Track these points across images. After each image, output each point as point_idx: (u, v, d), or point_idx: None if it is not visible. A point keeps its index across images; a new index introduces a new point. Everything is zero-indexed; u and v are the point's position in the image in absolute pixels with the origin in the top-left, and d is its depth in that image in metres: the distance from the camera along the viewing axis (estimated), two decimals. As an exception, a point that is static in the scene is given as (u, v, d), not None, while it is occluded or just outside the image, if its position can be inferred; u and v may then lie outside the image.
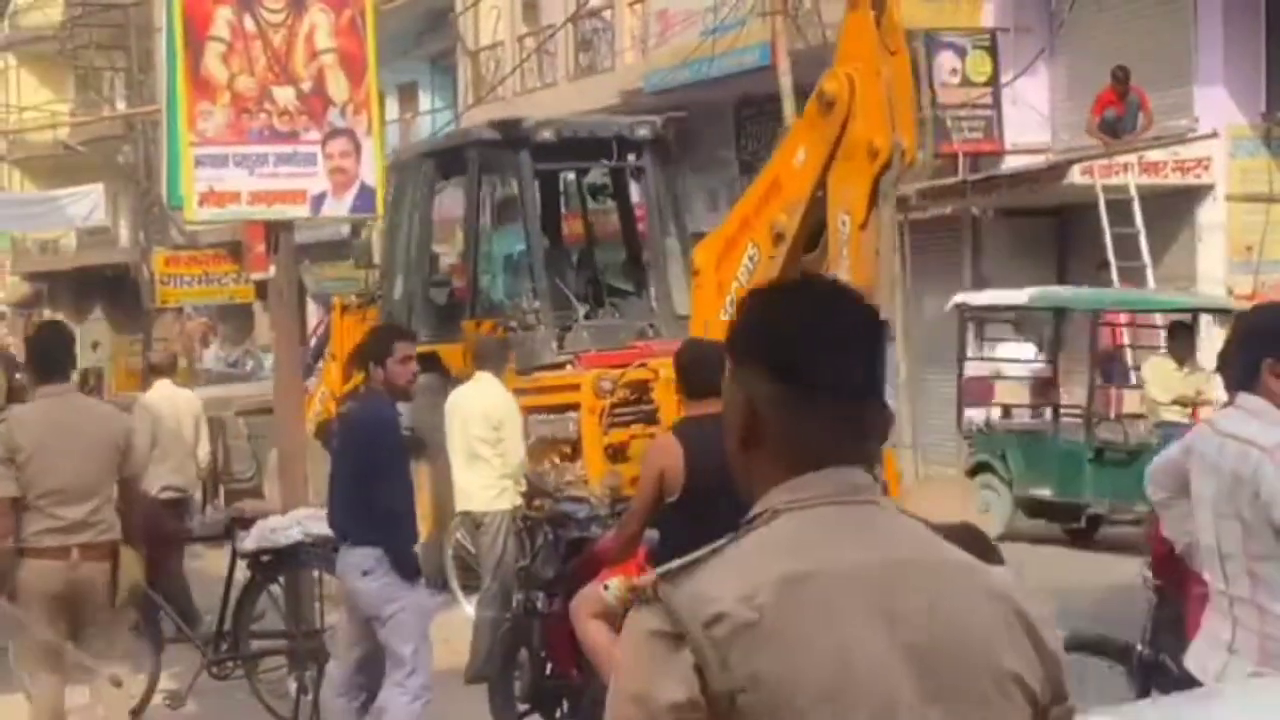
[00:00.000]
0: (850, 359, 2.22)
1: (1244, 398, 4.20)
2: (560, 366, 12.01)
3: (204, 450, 11.66)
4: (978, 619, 2.17)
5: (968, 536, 2.50)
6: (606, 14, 24.19)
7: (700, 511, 6.48)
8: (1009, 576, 2.25)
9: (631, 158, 13.60)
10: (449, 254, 14.98)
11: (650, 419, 11.08)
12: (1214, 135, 16.17)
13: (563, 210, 14.33)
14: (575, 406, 11.30)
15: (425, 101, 31.80)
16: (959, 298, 15.94)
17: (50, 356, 6.93)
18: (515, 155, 12.72)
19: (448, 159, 13.56)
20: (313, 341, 16.78)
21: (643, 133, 13.45)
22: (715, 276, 9.89)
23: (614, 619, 6.74)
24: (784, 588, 2.12)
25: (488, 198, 13.67)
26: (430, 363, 11.07)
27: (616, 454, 11.05)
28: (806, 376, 2.21)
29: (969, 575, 2.22)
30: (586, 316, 12.87)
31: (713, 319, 8.96)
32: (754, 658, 2.05)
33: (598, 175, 13.89)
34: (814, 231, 9.38)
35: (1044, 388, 15.20)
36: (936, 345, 18.93)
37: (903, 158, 9.11)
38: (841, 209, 9.00)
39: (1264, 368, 4.12)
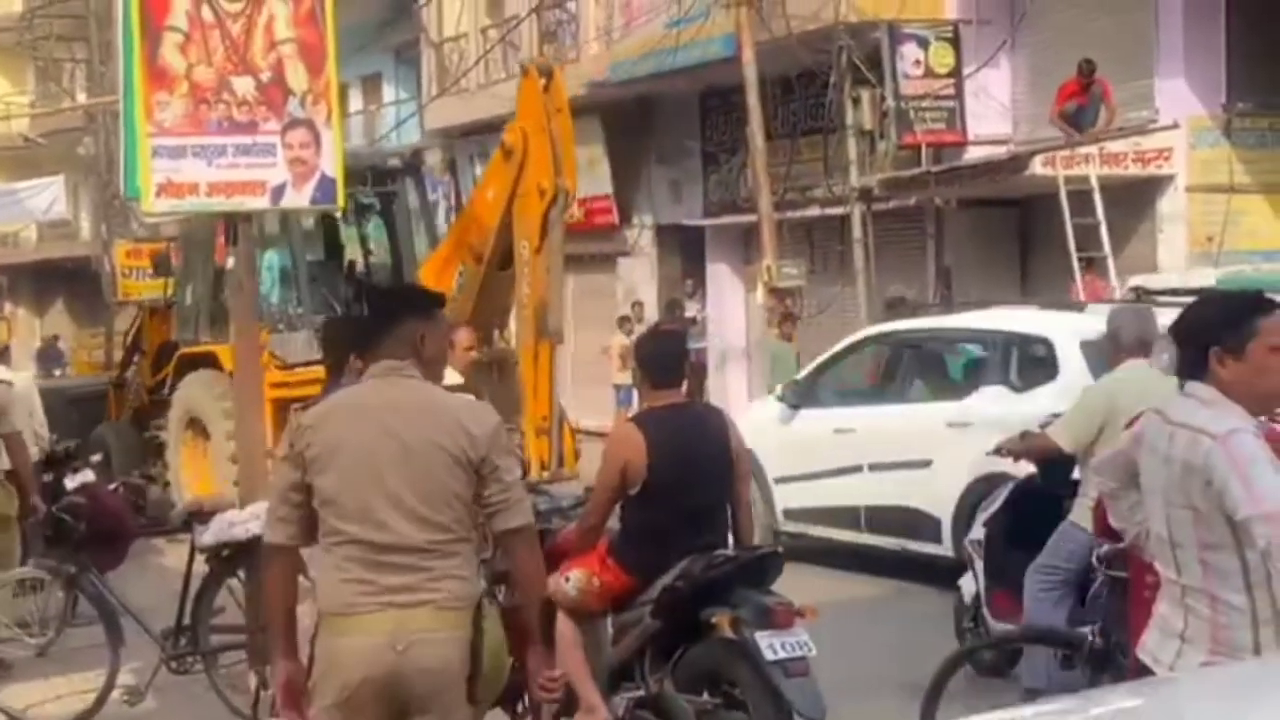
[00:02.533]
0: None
1: (1193, 386, 4.21)
2: (320, 363, 12.45)
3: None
4: (432, 421, 4.54)
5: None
6: (571, 5, 24.17)
7: (662, 502, 6.50)
8: (477, 409, 4.84)
9: (389, 183, 15.73)
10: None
11: None
12: (1175, 126, 16.23)
13: (340, 227, 15.98)
14: None
15: (389, 93, 31.72)
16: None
17: None
18: None
19: None
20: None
21: (394, 162, 16.18)
22: (437, 288, 11.13)
23: (575, 610, 6.75)
24: (326, 409, 4.71)
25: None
26: (209, 360, 14.28)
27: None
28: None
29: (433, 404, 4.64)
30: None
31: None
32: (309, 437, 4.54)
33: (363, 197, 15.50)
34: (507, 252, 11.69)
35: None
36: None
37: (566, 196, 11.64)
38: (522, 236, 11.43)
39: (1211, 356, 4.13)
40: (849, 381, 12.80)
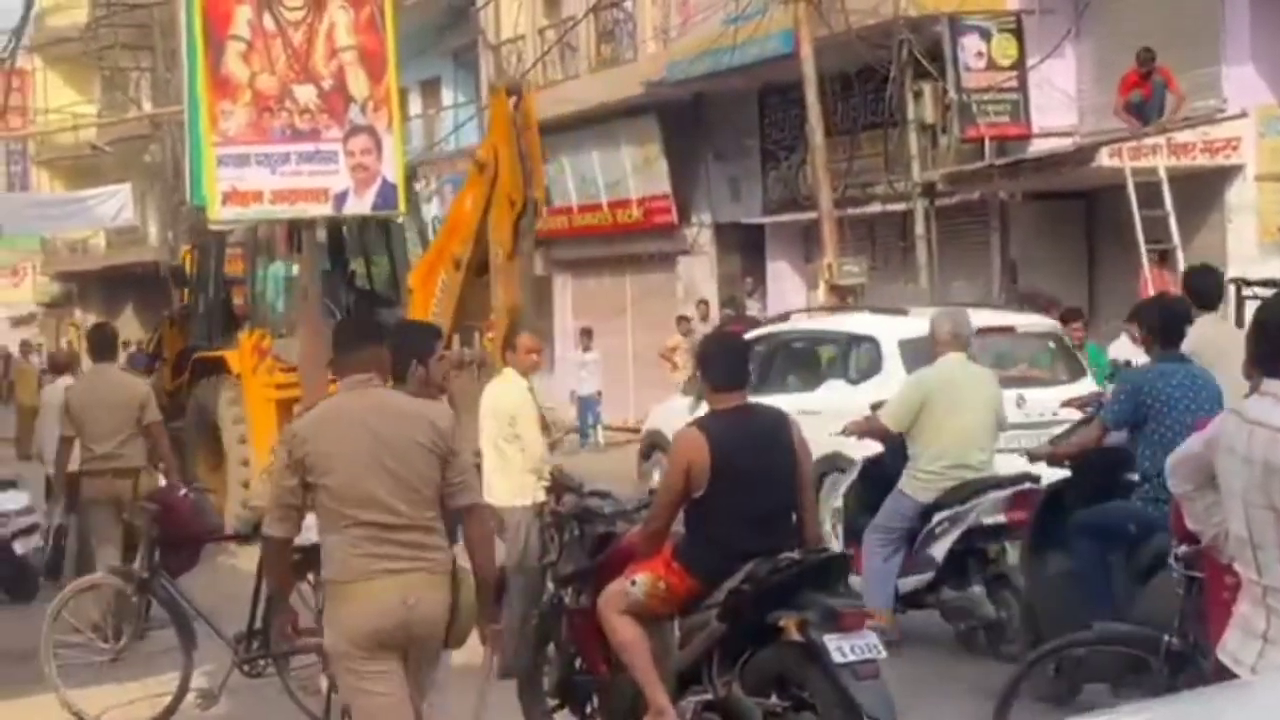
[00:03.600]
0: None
1: (1270, 384, 4.15)
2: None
3: None
4: (408, 421, 5.58)
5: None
6: (627, 5, 24.19)
7: (726, 505, 6.48)
8: (438, 409, 5.87)
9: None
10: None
11: None
12: (1243, 115, 16.08)
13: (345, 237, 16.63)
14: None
15: (448, 96, 31.86)
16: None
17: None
18: None
19: None
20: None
21: None
22: (423, 294, 12.68)
23: (642, 614, 6.73)
24: (317, 419, 5.73)
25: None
26: (219, 365, 15.19)
27: None
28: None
29: (406, 409, 5.69)
30: None
31: None
32: (306, 446, 5.51)
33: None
34: (484, 260, 12.31)
35: None
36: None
37: (536, 206, 12.48)
38: (496, 244, 12.04)
39: None
40: None
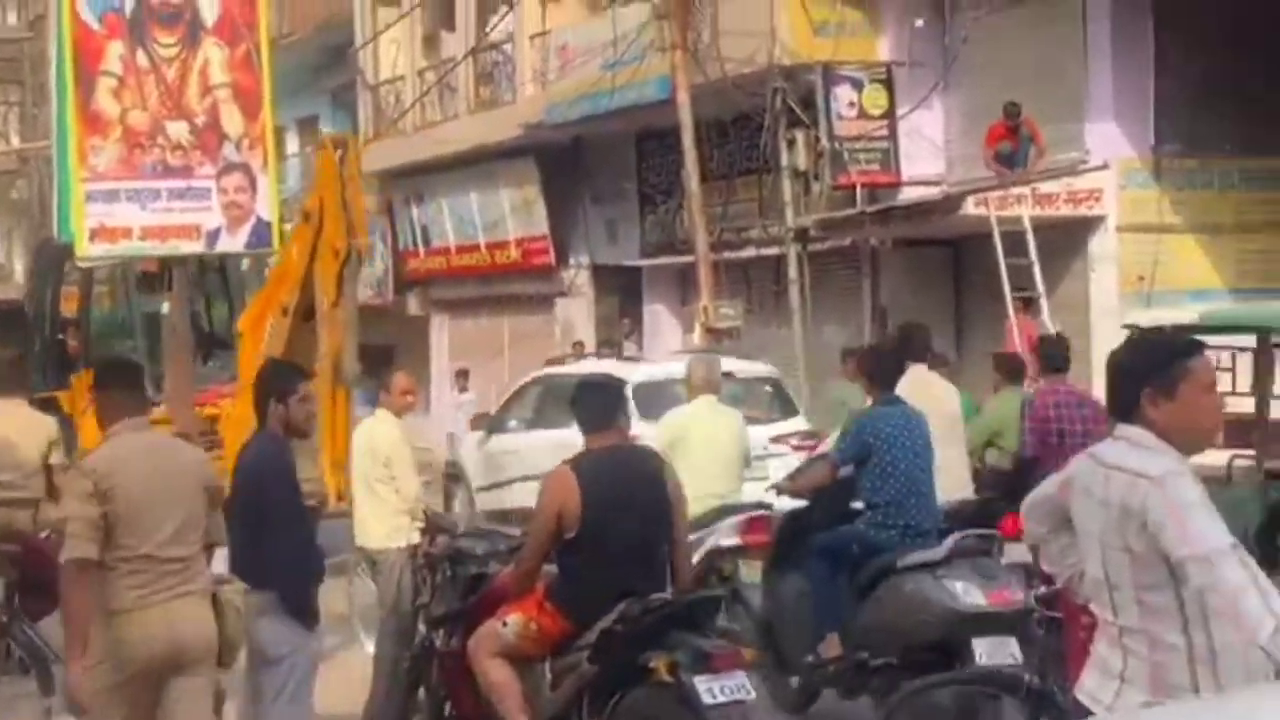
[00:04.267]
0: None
1: (1124, 429, 4.22)
2: (157, 405, 14.52)
3: None
4: (184, 460, 6.16)
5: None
6: (507, 48, 24.20)
7: (597, 544, 6.47)
8: (198, 453, 6.49)
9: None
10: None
11: (218, 445, 14.09)
12: (1105, 167, 16.41)
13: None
14: None
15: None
16: (1132, 319, 12.46)
17: None
18: None
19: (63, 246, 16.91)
20: None
21: None
22: (252, 338, 12.83)
23: (513, 655, 6.70)
24: (109, 456, 5.94)
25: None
26: (50, 405, 14.35)
27: None
28: None
29: (179, 447, 6.40)
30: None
31: (252, 371, 11.21)
32: (105, 481, 5.76)
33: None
34: (310, 306, 12.43)
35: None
36: (836, 375, 19.05)
37: (359, 255, 12.71)
38: (321, 291, 12.21)
39: (1143, 397, 4.15)
40: (520, 414, 16.31)
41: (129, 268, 16.14)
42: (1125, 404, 4.20)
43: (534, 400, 16.26)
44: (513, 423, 16.23)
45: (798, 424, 14.22)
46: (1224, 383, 11.72)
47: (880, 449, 8.31)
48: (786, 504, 9.18)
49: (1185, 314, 12.84)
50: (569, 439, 12.60)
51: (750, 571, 9.45)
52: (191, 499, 6.01)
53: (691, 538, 9.20)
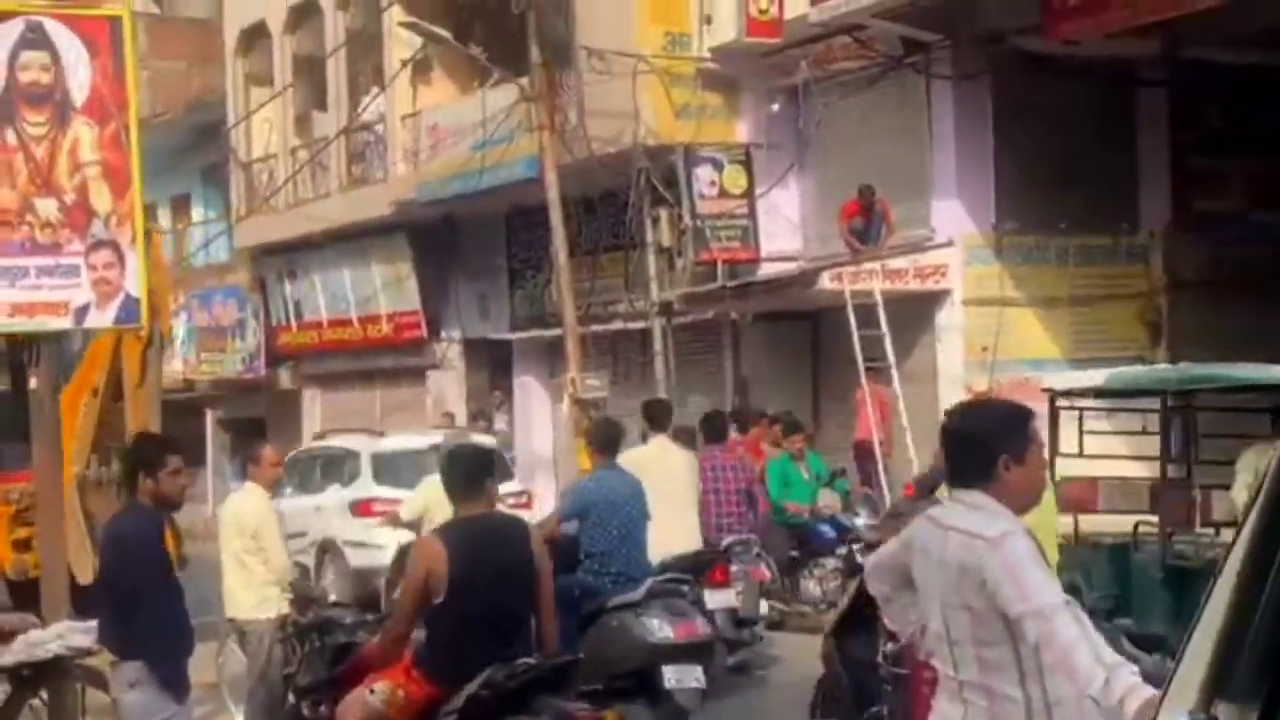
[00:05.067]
0: None
1: (962, 493, 4.28)
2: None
3: None
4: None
5: None
6: (378, 127, 24.16)
7: (464, 610, 6.42)
8: None
9: None
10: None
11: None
12: (950, 244, 16.69)
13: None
14: None
15: (198, 213, 31.34)
16: (1048, 381, 12.31)
17: None
18: None
19: None
20: None
21: None
22: (69, 417, 12.51)
23: (380, 722, 6.60)
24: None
25: None
26: None
27: (21, 546, 14.82)
28: None
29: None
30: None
31: (69, 449, 11.77)
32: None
33: None
34: (118, 386, 12.51)
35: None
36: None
37: (162, 339, 12.82)
38: (127, 372, 12.31)
39: (1000, 463, 4.21)
40: (288, 482, 16.53)
41: None
42: (976, 468, 4.24)
43: (297, 470, 17.47)
44: (286, 489, 16.23)
45: (512, 486, 15.75)
46: (1136, 446, 12.03)
47: (597, 507, 9.53)
48: None
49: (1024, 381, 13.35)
50: (319, 501, 16.74)
51: None
52: None
53: None
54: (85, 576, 11.60)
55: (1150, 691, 3.64)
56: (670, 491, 10.53)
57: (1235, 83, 17.27)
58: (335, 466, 17.64)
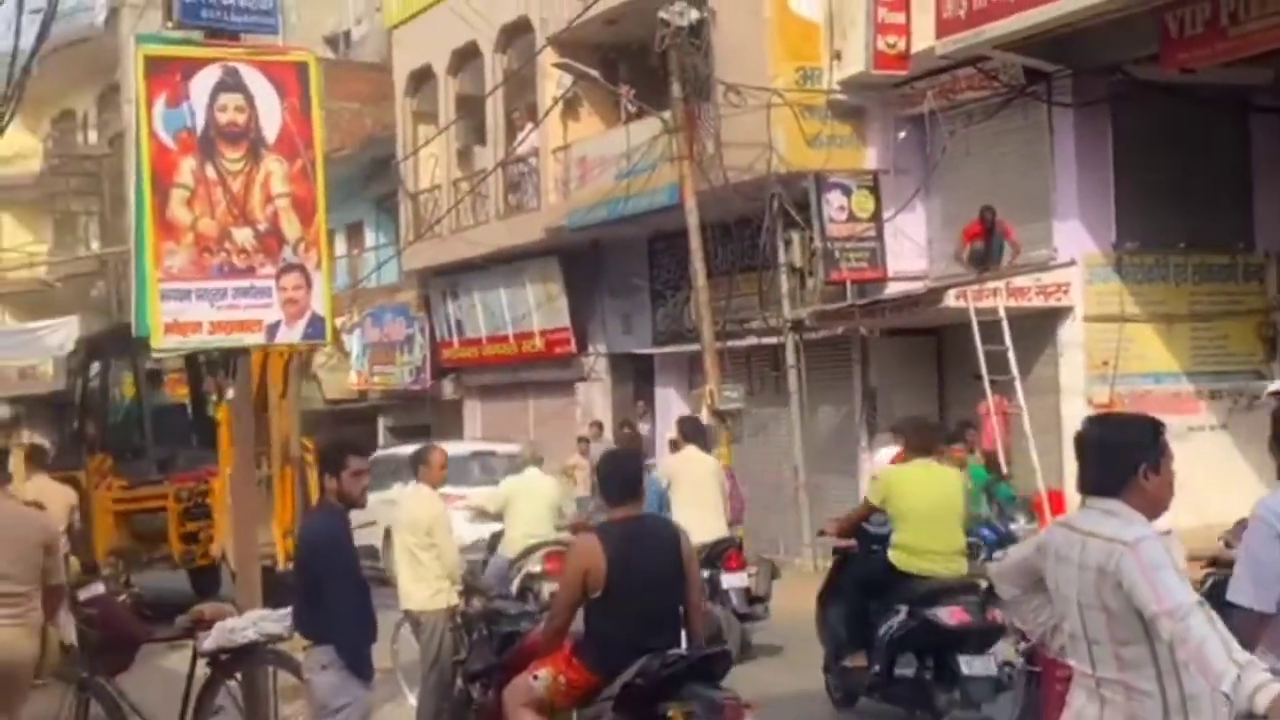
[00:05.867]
0: None
1: (1097, 500, 4.24)
2: (159, 482, 16.63)
3: None
4: (25, 520, 7.48)
5: None
6: (532, 160, 24.38)
7: (620, 606, 6.46)
8: (37, 512, 7.91)
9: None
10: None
11: (209, 515, 15.65)
12: (1072, 264, 16.43)
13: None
14: (164, 509, 16.32)
15: (370, 238, 31.85)
16: (1275, 385, 11.81)
17: None
18: (125, 350, 17.43)
19: (88, 349, 18.81)
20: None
21: None
22: (225, 427, 13.08)
23: (543, 707, 6.66)
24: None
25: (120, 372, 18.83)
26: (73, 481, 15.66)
27: (190, 538, 16.16)
28: None
29: (21, 509, 7.80)
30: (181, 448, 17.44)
31: (227, 454, 12.64)
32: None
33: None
34: (264, 399, 12.41)
35: None
36: (829, 452, 19.04)
37: (301, 356, 13.65)
38: (271, 386, 12.48)
39: (1140, 473, 4.17)
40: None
41: (140, 367, 18.13)
42: (1115, 478, 4.20)
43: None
44: None
45: None
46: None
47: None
48: None
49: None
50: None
51: (548, 587, 11.08)
52: (25, 549, 7.12)
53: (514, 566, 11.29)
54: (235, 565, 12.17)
55: (1280, 688, 3.57)
56: (699, 492, 11.99)
57: (1347, 107, 16.86)
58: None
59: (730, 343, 20.15)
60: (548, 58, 22.33)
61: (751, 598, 12.05)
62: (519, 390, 26.50)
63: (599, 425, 22.87)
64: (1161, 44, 14.79)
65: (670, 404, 23.06)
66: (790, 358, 19.14)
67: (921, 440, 9.70)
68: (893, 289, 18.46)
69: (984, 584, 8.86)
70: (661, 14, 18.63)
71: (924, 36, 16.76)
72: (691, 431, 13.00)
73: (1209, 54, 14.60)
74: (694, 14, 18.81)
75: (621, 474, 6.87)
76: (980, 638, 8.84)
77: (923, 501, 9.28)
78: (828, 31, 18.58)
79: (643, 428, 22.65)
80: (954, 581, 9.15)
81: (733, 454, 18.85)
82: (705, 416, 19.20)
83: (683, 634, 6.65)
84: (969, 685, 8.71)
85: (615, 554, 6.43)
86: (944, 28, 16.10)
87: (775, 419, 19.78)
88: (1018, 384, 15.88)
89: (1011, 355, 15.88)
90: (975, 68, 16.92)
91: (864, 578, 9.47)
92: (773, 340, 19.69)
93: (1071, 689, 4.31)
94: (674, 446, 13.36)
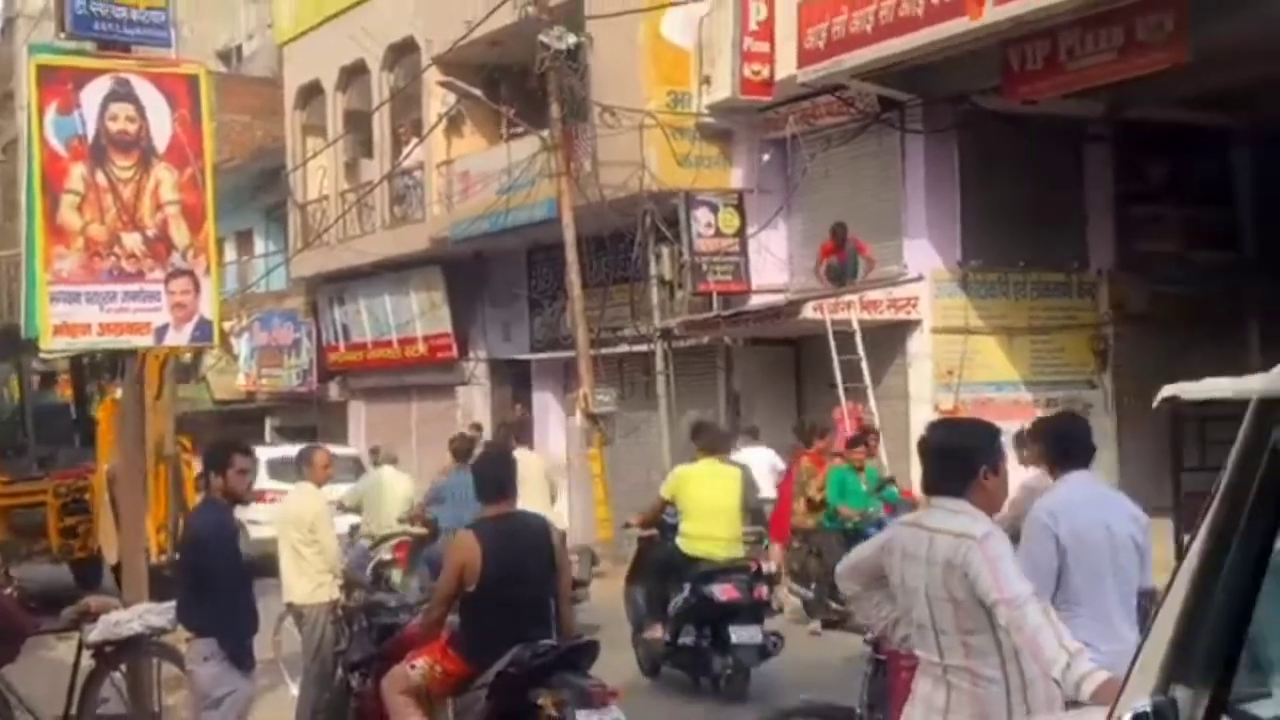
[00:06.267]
0: None
1: (942, 500, 4.29)
2: (39, 478, 16.39)
3: None
4: None
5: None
6: (417, 174, 24.19)
7: (495, 598, 6.42)
8: None
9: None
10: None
11: (87, 510, 15.41)
12: (920, 279, 16.66)
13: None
14: (44, 504, 16.06)
15: (260, 246, 31.36)
16: (1170, 390, 10.78)
17: None
18: (10, 350, 17.17)
19: None
20: None
21: None
22: (105, 425, 13.23)
23: (420, 695, 6.59)
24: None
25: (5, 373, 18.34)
26: None
27: (69, 533, 15.94)
28: None
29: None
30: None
31: (106, 451, 12.88)
32: None
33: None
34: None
35: None
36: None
37: (177, 359, 13.41)
38: (147, 387, 11.14)
39: (982, 473, 4.22)
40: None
41: (26, 367, 17.86)
42: (959, 479, 4.25)
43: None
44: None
45: None
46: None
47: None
48: None
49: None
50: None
51: (396, 574, 11.40)
52: None
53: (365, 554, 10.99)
54: (113, 558, 11.99)
55: (1105, 675, 3.64)
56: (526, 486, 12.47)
57: (1172, 138, 17.33)
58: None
59: (604, 350, 20.15)
60: (433, 76, 22.18)
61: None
62: (402, 393, 26.26)
63: (478, 426, 22.72)
64: (1005, 77, 15.10)
65: (547, 407, 23.03)
66: (660, 364, 19.20)
67: (709, 442, 10.57)
68: (756, 301, 18.60)
69: (754, 566, 10.13)
70: (542, 38, 18.58)
71: (787, 65, 16.91)
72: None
73: (1048, 86, 14.94)
74: (572, 38, 18.80)
75: (495, 473, 6.83)
76: (749, 611, 9.84)
77: (705, 495, 10.12)
78: (698, 58, 18.68)
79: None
80: (729, 563, 10.03)
81: (605, 455, 18.86)
82: (579, 419, 19.21)
83: (554, 625, 6.63)
84: (738, 652, 9.76)
85: (490, 549, 6.40)
86: (805, 57, 16.27)
87: (646, 422, 19.82)
88: (870, 391, 16.08)
89: (864, 364, 16.07)
90: (834, 95, 17.12)
91: (659, 561, 10.40)
92: (644, 348, 19.73)
93: (917, 677, 4.35)
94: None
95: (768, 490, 16.86)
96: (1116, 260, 17.68)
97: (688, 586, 9.94)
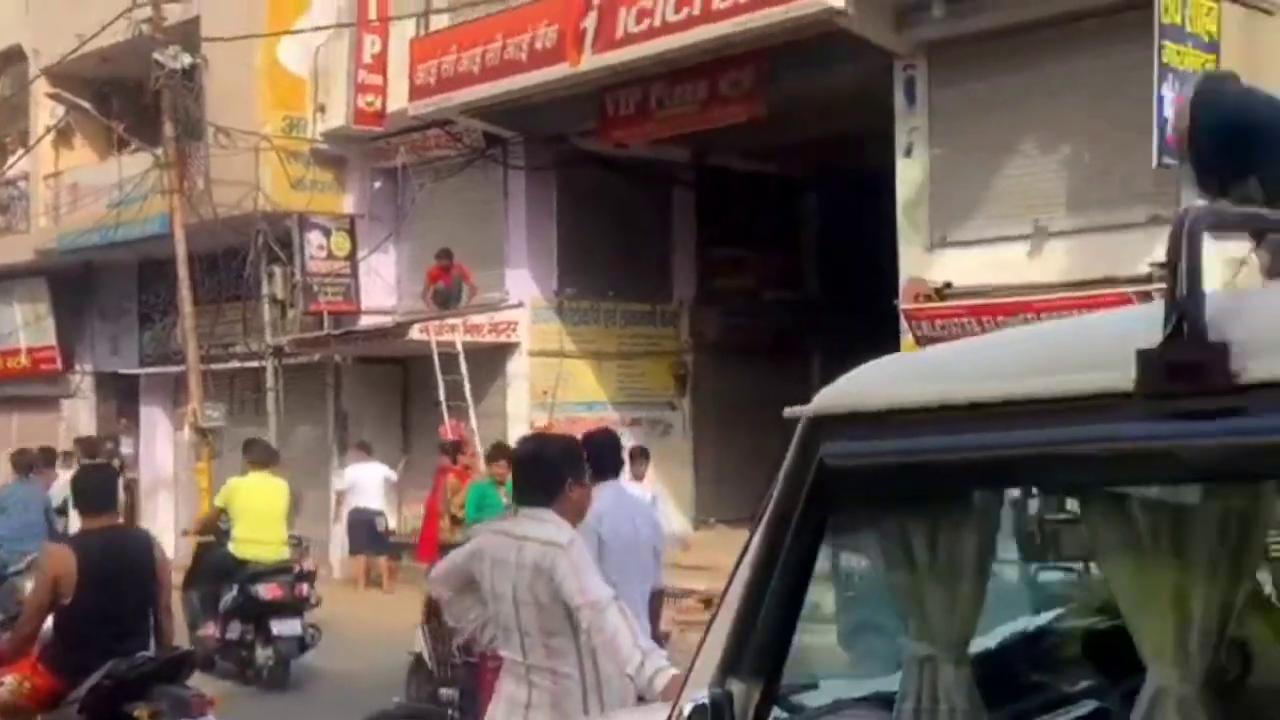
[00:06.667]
0: None
1: (530, 510, 4.33)
2: None
3: None
4: None
5: None
6: (22, 184, 22.57)
7: (90, 611, 6.04)
8: None
9: None
10: None
11: None
12: (520, 305, 16.86)
13: None
14: None
15: None
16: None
17: None
18: None
19: None
20: None
21: None
22: None
23: (8, 712, 6.13)
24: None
25: None
26: None
27: None
28: None
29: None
30: None
31: None
32: None
33: None
34: None
35: None
36: (304, 467, 18.64)
37: None
38: None
39: (568, 484, 4.28)
40: None
41: None
42: (546, 489, 4.29)
43: None
44: None
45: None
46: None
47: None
48: None
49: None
50: None
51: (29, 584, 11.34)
52: None
53: None
54: None
55: (674, 671, 3.75)
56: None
57: (749, 186, 18.23)
58: None
59: (214, 365, 19.38)
60: (41, 87, 20.78)
61: None
62: (3, 405, 24.39)
63: (83, 442, 21.36)
64: (600, 120, 15.51)
65: (156, 422, 21.99)
66: (270, 381, 18.64)
67: (259, 456, 11.46)
68: (365, 322, 18.37)
69: (296, 567, 10.83)
70: (156, 56, 17.70)
71: (399, 98, 16.78)
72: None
73: (639, 132, 15.45)
74: (187, 58, 17.99)
75: (97, 486, 6.45)
76: (290, 608, 10.56)
77: (254, 503, 10.90)
78: (313, 86, 18.32)
79: (126, 444, 21.42)
80: (275, 564, 10.78)
81: (213, 469, 18.10)
82: (187, 434, 18.37)
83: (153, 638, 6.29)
84: (279, 644, 10.46)
85: (86, 562, 6.02)
86: (416, 92, 16.19)
87: (254, 436, 19.12)
88: (471, 409, 16.11)
89: (467, 384, 16.09)
90: (443, 129, 17.12)
91: (215, 564, 10.99)
92: (255, 364, 19.11)
93: (502, 676, 4.37)
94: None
95: (379, 503, 16.75)
96: (697, 294, 18.43)
97: (236, 586, 10.63)
